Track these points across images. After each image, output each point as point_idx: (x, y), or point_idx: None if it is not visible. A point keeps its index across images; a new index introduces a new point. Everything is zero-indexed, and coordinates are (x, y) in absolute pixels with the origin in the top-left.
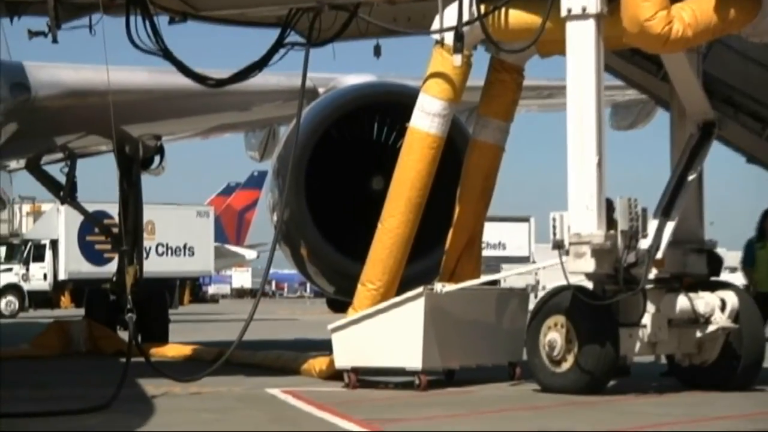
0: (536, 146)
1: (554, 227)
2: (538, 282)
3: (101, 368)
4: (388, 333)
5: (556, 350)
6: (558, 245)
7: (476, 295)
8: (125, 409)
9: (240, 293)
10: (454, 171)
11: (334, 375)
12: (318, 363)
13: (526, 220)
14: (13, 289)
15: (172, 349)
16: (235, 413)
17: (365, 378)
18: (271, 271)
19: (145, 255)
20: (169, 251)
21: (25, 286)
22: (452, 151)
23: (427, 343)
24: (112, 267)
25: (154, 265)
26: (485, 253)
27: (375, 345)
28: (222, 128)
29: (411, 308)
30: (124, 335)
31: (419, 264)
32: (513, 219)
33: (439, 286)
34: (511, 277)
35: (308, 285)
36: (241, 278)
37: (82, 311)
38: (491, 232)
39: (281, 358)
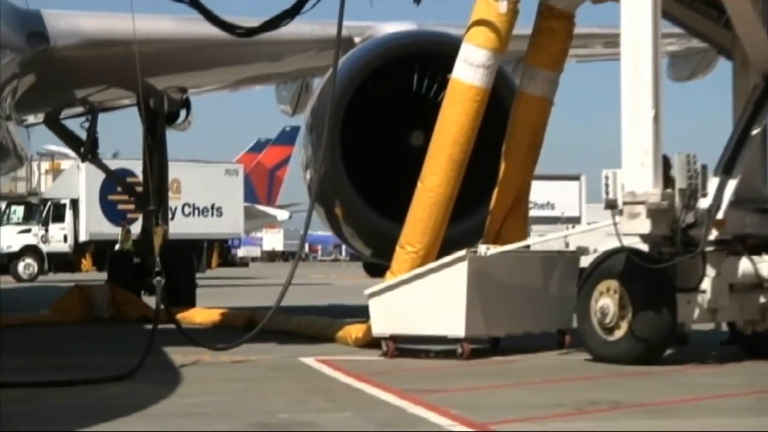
0: (588, 99)
1: (607, 186)
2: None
3: (125, 335)
4: (428, 299)
5: (609, 317)
6: (611, 205)
7: (523, 258)
8: (150, 378)
9: (271, 256)
10: (499, 125)
11: (372, 343)
12: (354, 330)
13: (576, 178)
14: (31, 251)
15: (200, 315)
16: (266, 383)
17: (404, 346)
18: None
19: (170, 215)
20: (196, 211)
21: (44, 248)
22: (497, 104)
23: (470, 309)
24: (135, 228)
25: (180, 227)
26: (532, 213)
27: (415, 311)
28: (252, 80)
29: (453, 272)
30: (148, 301)
31: (462, 225)
32: (562, 177)
33: (483, 249)
34: (560, 239)
35: (343, 247)
36: (273, 240)
37: (104, 275)
38: (539, 191)
39: (315, 325)
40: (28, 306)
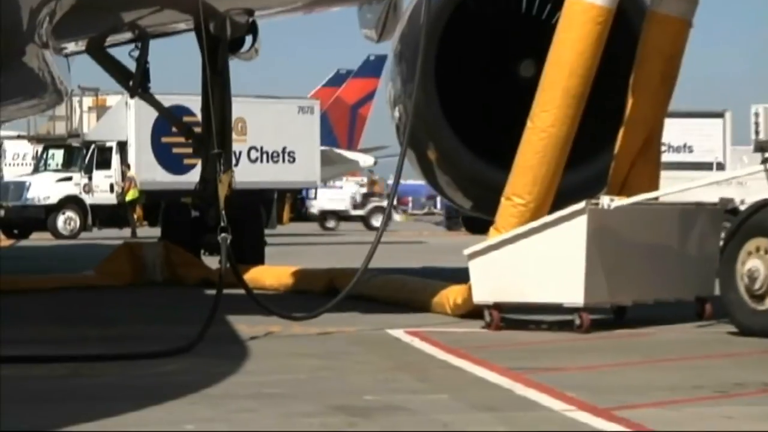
0: (736, 17)
1: (756, 125)
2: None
3: (181, 302)
4: (540, 260)
5: (759, 282)
6: (761, 147)
7: (654, 211)
8: (212, 352)
9: (354, 207)
10: (625, 52)
11: (473, 312)
12: (452, 294)
13: (719, 115)
14: (72, 203)
15: (270, 276)
16: (348, 359)
17: (511, 316)
18: (391, 181)
19: (234, 161)
20: (265, 157)
21: (88, 200)
22: (624, 26)
23: (590, 272)
24: (194, 176)
25: (245, 174)
26: (666, 157)
27: (524, 275)
28: (330, 0)
29: (570, 229)
30: (208, 262)
31: (580, 172)
32: (702, 114)
33: (606, 201)
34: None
35: (439, 199)
36: (354, 190)
37: (157, 231)
38: (674, 131)
39: (406, 287)
40: (69, 267)
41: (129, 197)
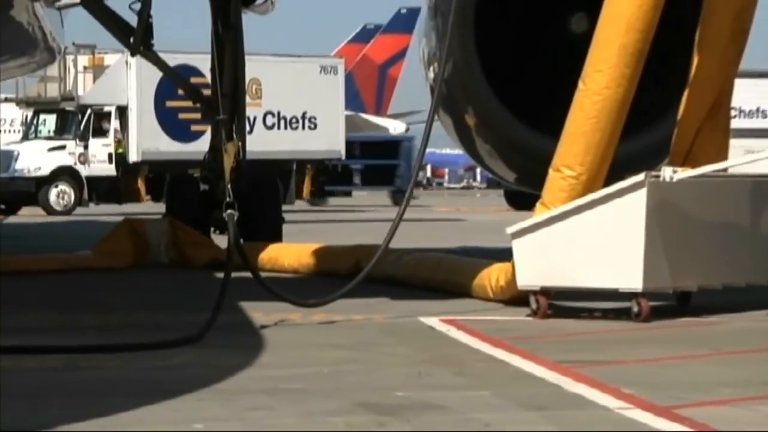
0: None
1: None
2: None
3: (189, 286)
4: (593, 240)
5: None
6: None
7: (723, 184)
8: (223, 343)
9: None
10: (691, 4)
11: (518, 297)
12: (495, 276)
13: None
14: (66, 174)
15: (289, 254)
16: (376, 351)
17: (560, 303)
18: (427, 150)
19: (248, 128)
20: (282, 123)
21: (83, 171)
22: None
23: (650, 253)
24: (202, 144)
25: (261, 143)
26: (736, 124)
27: (574, 257)
28: None
29: (627, 204)
30: (220, 241)
31: (638, 140)
32: None
33: (668, 172)
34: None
35: (478, 170)
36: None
37: (161, 206)
38: (745, 94)
39: (442, 266)
40: (63, 247)
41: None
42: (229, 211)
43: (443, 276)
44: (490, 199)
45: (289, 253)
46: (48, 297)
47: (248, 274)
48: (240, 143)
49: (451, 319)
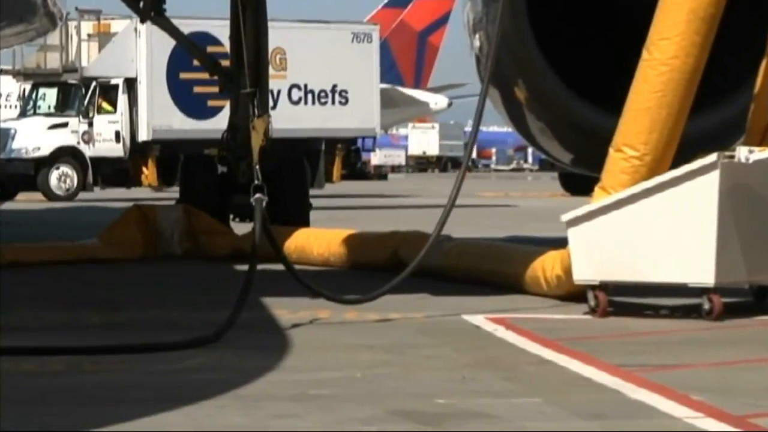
0: None
1: None
2: None
3: (206, 280)
4: (659, 228)
5: None
6: None
7: None
8: (244, 344)
9: (421, 164)
10: None
11: (574, 293)
12: (548, 269)
13: None
14: (69, 155)
15: (318, 242)
16: (415, 353)
17: (622, 300)
18: (470, 129)
19: (271, 103)
20: (310, 97)
21: (88, 151)
22: None
23: (723, 244)
24: (220, 122)
25: (285, 119)
26: None
27: (637, 247)
28: None
29: (697, 188)
30: (239, 229)
31: (710, 116)
32: None
33: (743, 152)
34: None
35: (530, 150)
36: (423, 140)
37: (174, 191)
38: None
39: (491, 255)
40: (65, 236)
41: None
42: (257, 195)
43: (490, 266)
44: (542, 183)
45: (318, 240)
46: (48, 292)
47: (271, 267)
48: (269, 119)
49: (499, 318)
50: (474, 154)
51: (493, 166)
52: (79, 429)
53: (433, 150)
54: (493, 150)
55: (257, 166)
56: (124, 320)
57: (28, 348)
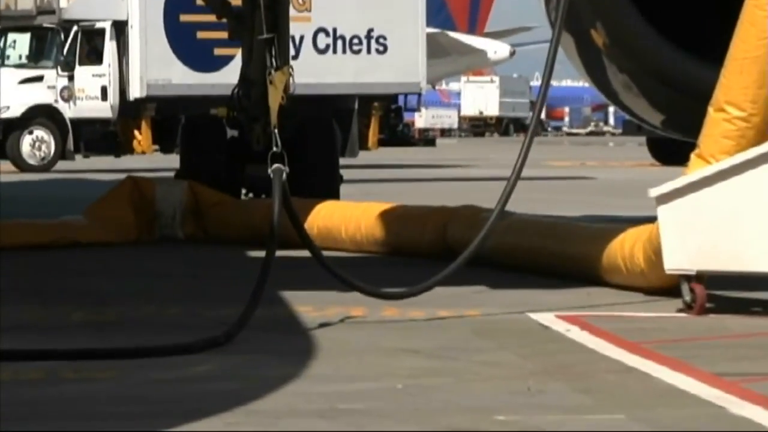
0: None
1: None
2: None
3: (213, 268)
4: None
5: None
6: None
7: None
8: (260, 347)
9: (477, 126)
10: None
11: (665, 284)
12: (631, 253)
13: None
14: (44, 116)
15: (351, 219)
16: (470, 359)
17: (721, 293)
18: (538, 83)
19: (292, 52)
20: (340, 44)
21: (68, 111)
22: None
23: None
24: (230, 74)
25: (310, 72)
26: None
27: (743, 230)
28: None
29: None
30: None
31: None
32: None
33: None
34: None
35: (611, 110)
36: (480, 97)
37: (173, 160)
38: None
39: (556, 232)
40: (39, 214)
41: None
42: (275, 165)
43: (557, 247)
44: (626, 150)
45: (348, 219)
46: (20, 283)
47: (294, 253)
48: (290, 72)
49: (572, 316)
50: (543, 115)
51: (565, 128)
52: None
53: (491, 109)
54: (566, 109)
55: (275, 130)
56: (113, 318)
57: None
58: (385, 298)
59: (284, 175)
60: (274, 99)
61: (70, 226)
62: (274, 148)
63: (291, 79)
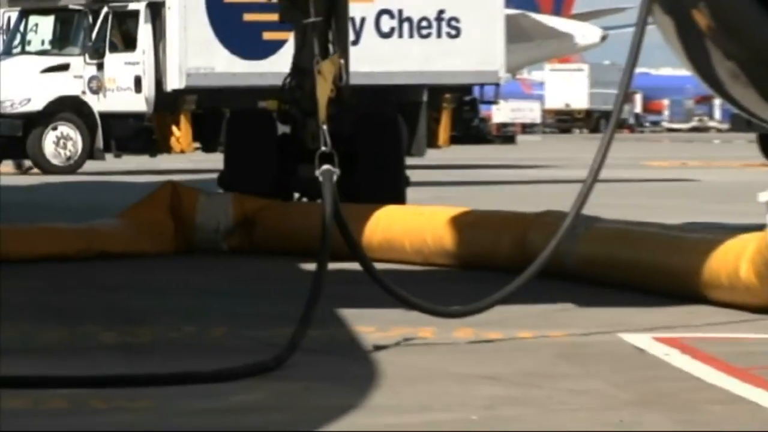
0: None
1: None
2: None
3: (260, 283)
4: None
5: None
6: None
7: None
8: (314, 373)
9: (563, 121)
10: None
11: None
12: (740, 266)
13: None
14: (70, 110)
15: (411, 228)
16: (552, 387)
17: None
18: (636, 71)
19: (352, 37)
20: (406, 28)
21: (97, 105)
22: None
23: None
24: (281, 62)
25: (372, 60)
26: None
27: None
28: None
29: None
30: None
31: None
32: None
33: None
34: None
35: (716, 102)
36: (566, 87)
37: (215, 159)
38: None
39: (652, 240)
40: (67, 219)
41: None
42: (325, 166)
43: (653, 258)
44: (734, 148)
45: (410, 227)
46: (43, 299)
47: (351, 266)
48: (342, 60)
49: (671, 337)
50: (638, 108)
51: (665, 123)
52: None
53: (580, 101)
54: (666, 102)
55: (324, 126)
56: (147, 339)
57: (18, 378)
58: (449, 316)
59: (334, 178)
60: (323, 91)
61: (99, 232)
62: (323, 147)
63: (343, 68)
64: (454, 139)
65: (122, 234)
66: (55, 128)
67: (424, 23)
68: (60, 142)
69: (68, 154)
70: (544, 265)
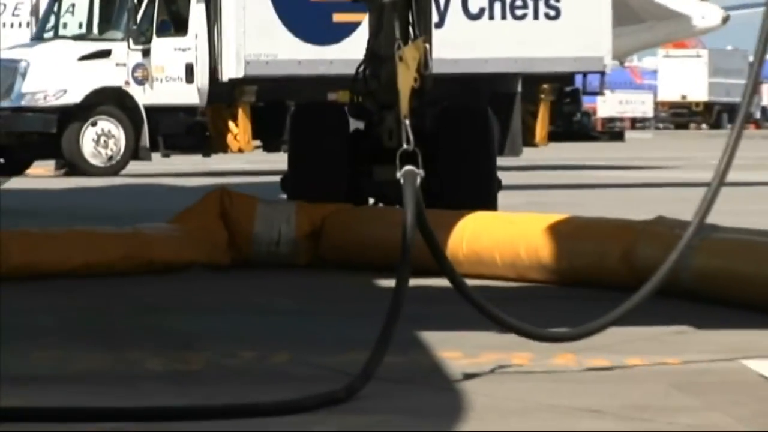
0: None
1: None
2: None
3: (330, 301)
4: None
5: None
6: None
7: None
8: (393, 405)
9: (680, 115)
10: None
11: None
12: None
13: None
14: (112, 102)
15: (502, 238)
16: (666, 421)
17: None
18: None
19: (436, 19)
20: (498, 9)
21: (142, 97)
22: None
23: None
24: (353, 48)
25: (459, 45)
26: None
27: None
28: None
29: None
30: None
31: None
32: None
33: None
34: None
35: None
36: (683, 76)
37: (278, 159)
38: None
39: None
40: (110, 220)
41: None
42: (407, 167)
43: None
44: None
45: (502, 234)
46: (78, 320)
47: (435, 281)
48: (424, 45)
49: None
50: (766, 100)
51: None
52: None
53: (698, 93)
54: None
55: (407, 121)
56: (200, 366)
57: (52, 410)
58: (545, 340)
59: (418, 180)
60: (405, 81)
61: (145, 237)
62: (405, 145)
63: (428, 54)
64: (553, 136)
65: (170, 240)
66: (94, 124)
67: (518, 3)
68: (100, 139)
69: (109, 153)
70: (663, 282)
